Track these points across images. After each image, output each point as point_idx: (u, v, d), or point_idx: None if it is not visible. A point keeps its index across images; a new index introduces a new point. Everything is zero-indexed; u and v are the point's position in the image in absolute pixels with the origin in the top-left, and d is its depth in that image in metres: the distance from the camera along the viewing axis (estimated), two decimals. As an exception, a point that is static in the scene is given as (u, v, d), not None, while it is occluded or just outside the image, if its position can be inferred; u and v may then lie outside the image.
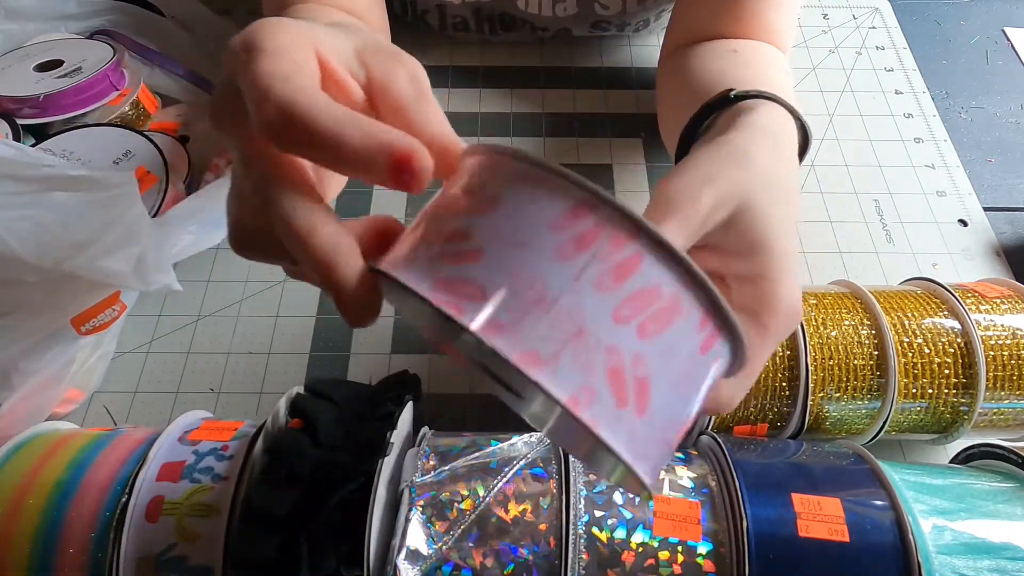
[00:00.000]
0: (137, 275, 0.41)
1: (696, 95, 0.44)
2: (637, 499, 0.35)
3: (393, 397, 0.39)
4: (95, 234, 0.40)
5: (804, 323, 0.41)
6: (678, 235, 0.28)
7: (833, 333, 0.41)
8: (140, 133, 0.55)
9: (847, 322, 0.42)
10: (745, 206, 0.30)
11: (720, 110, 0.40)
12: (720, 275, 0.32)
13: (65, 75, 0.55)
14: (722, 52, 0.49)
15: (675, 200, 0.29)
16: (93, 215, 0.41)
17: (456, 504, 0.34)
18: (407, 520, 0.34)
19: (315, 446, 0.36)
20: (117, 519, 0.33)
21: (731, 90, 0.40)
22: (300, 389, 0.40)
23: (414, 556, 0.33)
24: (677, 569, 0.33)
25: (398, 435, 0.38)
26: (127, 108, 0.58)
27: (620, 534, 0.34)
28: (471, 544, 0.33)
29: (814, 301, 0.43)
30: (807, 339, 0.41)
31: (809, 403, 0.41)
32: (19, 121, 0.55)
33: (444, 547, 0.33)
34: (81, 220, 0.41)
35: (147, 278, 0.42)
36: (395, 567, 0.33)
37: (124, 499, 0.34)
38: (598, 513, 0.34)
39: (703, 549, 0.33)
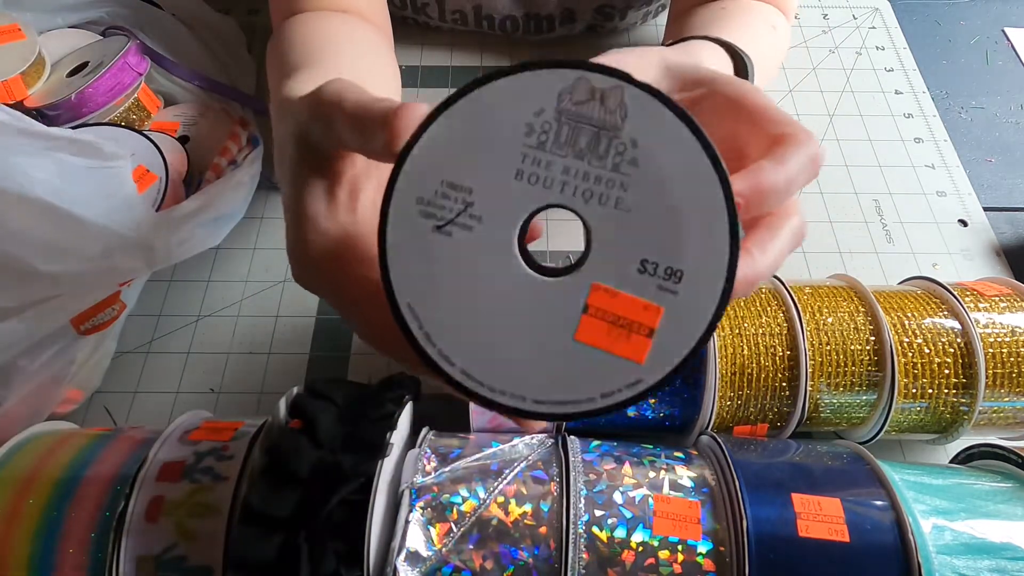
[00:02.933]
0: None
1: None
2: (637, 498, 0.35)
3: (393, 397, 0.39)
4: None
5: (800, 310, 0.42)
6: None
7: (829, 320, 0.42)
8: (140, 133, 0.55)
9: (843, 310, 0.42)
10: (676, 61, 0.33)
11: None
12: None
13: (90, 72, 0.56)
14: (710, 8, 0.51)
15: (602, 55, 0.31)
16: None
17: (456, 506, 0.34)
18: (407, 521, 0.34)
19: (315, 446, 0.36)
20: (117, 519, 0.33)
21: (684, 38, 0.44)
22: (300, 389, 0.40)
23: (414, 558, 0.33)
24: (677, 568, 0.33)
25: (398, 436, 0.38)
26: (127, 108, 0.58)
27: (620, 533, 0.34)
28: (471, 546, 0.33)
29: (810, 291, 0.44)
30: (804, 326, 0.41)
31: (808, 388, 0.41)
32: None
33: (444, 549, 0.33)
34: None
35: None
36: (395, 568, 0.33)
37: (124, 499, 0.34)
38: (598, 512, 0.34)
39: (703, 548, 0.33)
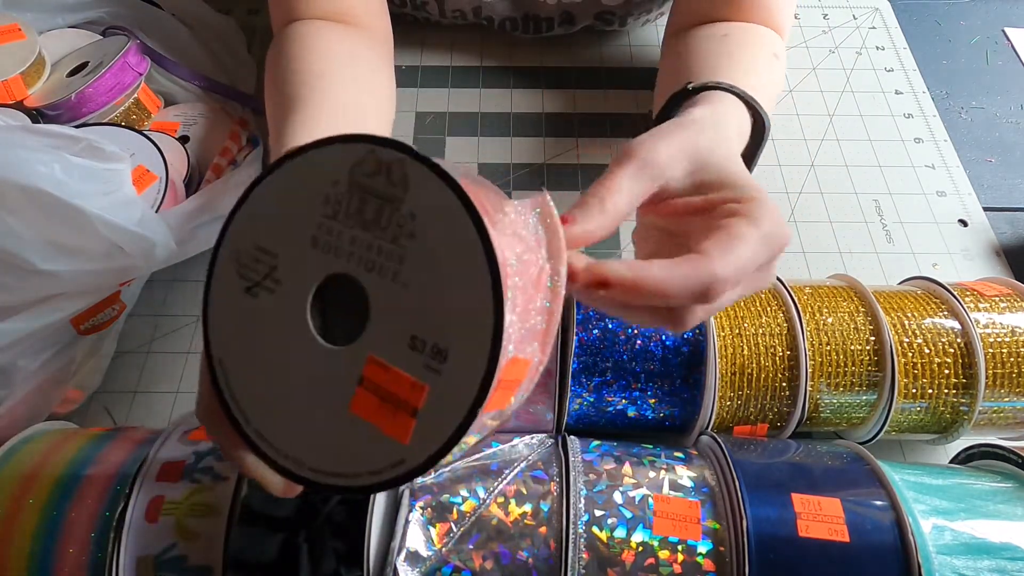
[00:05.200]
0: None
1: (680, 79, 0.46)
2: (637, 498, 0.35)
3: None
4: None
5: (800, 310, 0.42)
6: (638, 177, 0.32)
7: (829, 320, 0.42)
8: (140, 133, 0.55)
9: (843, 310, 0.42)
10: (705, 158, 0.34)
11: (683, 101, 0.43)
12: (709, 206, 0.33)
13: (90, 72, 0.56)
14: (713, 35, 0.51)
15: (635, 149, 0.33)
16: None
17: (456, 506, 0.34)
18: (407, 522, 0.34)
19: (315, 446, 0.36)
20: (117, 519, 0.33)
21: (689, 83, 0.43)
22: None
23: (414, 558, 0.33)
24: (677, 568, 0.33)
25: (398, 435, 0.38)
26: (127, 108, 0.58)
27: (620, 533, 0.34)
28: (471, 546, 0.33)
29: (810, 291, 0.44)
30: (804, 326, 0.41)
31: (808, 388, 0.41)
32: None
33: (444, 549, 0.33)
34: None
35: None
36: (395, 569, 0.33)
37: (124, 499, 0.34)
38: (598, 512, 0.34)
39: (703, 548, 0.33)
